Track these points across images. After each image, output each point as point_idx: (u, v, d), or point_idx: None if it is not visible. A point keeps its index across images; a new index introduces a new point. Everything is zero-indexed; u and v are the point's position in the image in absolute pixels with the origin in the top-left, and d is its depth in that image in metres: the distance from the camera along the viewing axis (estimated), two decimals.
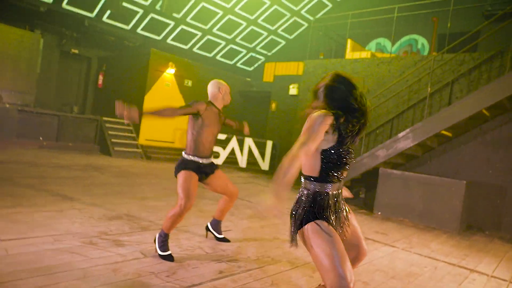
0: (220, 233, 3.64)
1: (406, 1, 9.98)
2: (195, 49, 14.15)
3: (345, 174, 1.87)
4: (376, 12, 11.01)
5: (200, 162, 3.12)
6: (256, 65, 16.44)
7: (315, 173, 1.80)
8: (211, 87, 3.27)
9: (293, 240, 1.85)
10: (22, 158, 7.20)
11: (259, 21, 13.95)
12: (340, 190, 1.87)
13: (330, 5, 13.95)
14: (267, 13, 13.62)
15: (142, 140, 10.87)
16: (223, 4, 12.46)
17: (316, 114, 1.73)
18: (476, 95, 5.81)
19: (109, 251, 2.92)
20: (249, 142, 10.74)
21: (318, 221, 1.73)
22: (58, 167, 6.72)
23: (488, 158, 6.73)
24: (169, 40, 13.25)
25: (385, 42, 12.68)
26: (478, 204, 6.66)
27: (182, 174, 3.04)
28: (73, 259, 2.66)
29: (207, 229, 3.67)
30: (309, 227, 1.73)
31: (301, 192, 1.86)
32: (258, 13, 13.46)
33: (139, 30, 12.40)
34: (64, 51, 11.98)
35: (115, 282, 2.39)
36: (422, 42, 11.85)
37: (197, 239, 3.57)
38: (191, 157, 3.11)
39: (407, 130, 6.36)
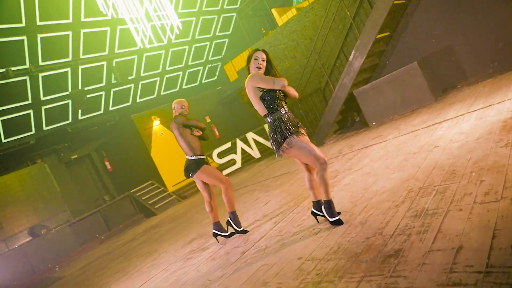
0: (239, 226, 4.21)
1: None
2: (162, 93, 15.36)
3: (283, 103, 3.13)
4: None
5: (203, 157, 4.26)
6: (217, 72, 17.58)
7: (266, 110, 3.08)
8: (178, 106, 4.28)
9: (277, 155, 3.09)
10: (97, 255, 8.51)
11: (197, 37, 15.07)
12: (288, 112, 3.11)
13: None
14: (198, 27, 14.73)
15: (170, 188, 12.15)
16: (161, 44, 13.60)
17: (253, 75, 3.08)
18: None
19: (202, 255, 4.14)
20: (251, 135, 11.89)
21: (289, 137, 2.98)
22: (127, 243, 8.01)
23: (426, 31, 7.78)
24: (138, 100, 14.49)
25: None
26: (440, 69, 7.73)
27: (202, 171, 4.12)
28: (185, 270, 3.89)
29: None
30: (286, 143, 2.99)
31: (269, 127, 3.12)
32: (191, 32, 14.58)
33: (111, 108, 13.65)
34: (67, 162, 13.33)
35: (217, 263, 3.60)
36: None
37: (251, 217, 4.77)
38: (196, 157, 4.17)
39: (353, 51, 7.46)
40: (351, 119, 9.35)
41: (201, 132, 4.26)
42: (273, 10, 10.75)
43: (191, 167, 4.13)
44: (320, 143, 8.48)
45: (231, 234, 4.30)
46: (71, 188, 13.12)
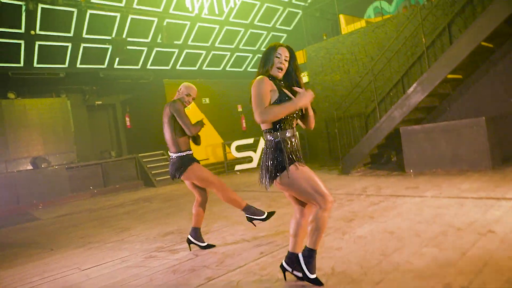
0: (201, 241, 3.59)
1: None
2: (204, 68, 14.81)
3: (295, 122, 2.37)
4: None
5: (191, 153, 3.50)
6: None
7: (270, 124, 2.31)
8: (184, 91, 3.57)
9: (265, 186, 2.34)
10: (80, 208, 8.06)
11: (256, 23, 14.37)
12: (295, 135, 2.35)
13: None
14: (260, 13, 14.02)
15: None
16: (217, 18, 13.02)
17: (256, 80, 2.29)
18: (470, 30, 5.87)
19: (167, 259, 3.46)
20: None
21: (289, 167, 2.26)
22: (112, 207, 7.49)
23: (505, 88, 6.71)
24: (178, 67, 14.00)
25: (383, 4, 12.66)
26: (508, 136, 6.65)
27: (192, 169, 3.39)
28: (139, 271, 3.21)
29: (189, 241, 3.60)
30: (285, 173, 2.26)
31: (265, 146, 2.36)
32: (252, 16, 13.89)
33: (149, 66, 13.24)
34: (90, 105, 13.05)
35: (176, 279, 2.90)
36: None
37: (240, 233, 4.04)
38: (182, 153, 3.44)
39: (414, 84, 6.51)
40: (387, 157, 8.40)
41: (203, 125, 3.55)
42: (341, 16, 9.88)
43: (176, 166, 3.42)
44: (346, 171, 7.61)
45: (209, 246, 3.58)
46: (86, 132, 12.84)
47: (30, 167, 10.62)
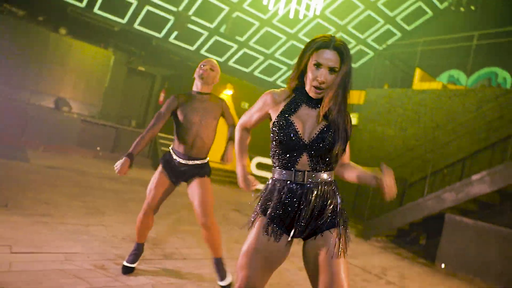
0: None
1: (487, 27, 8.99)
2: (256, 73, 14.15)
3: (315, 160, 1.47)
4: (451, 40, 10.08)
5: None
6: None
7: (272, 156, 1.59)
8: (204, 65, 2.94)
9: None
10: (74, 166, 7.41)
11: None
12: (309, 185, 1.46)
13: (399, 34, 13.22)
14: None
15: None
16: (287, 29, 12.37)
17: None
18: None
19: (118, 280, 2.60)
20: None
21: (261, 219, 1.52)
22: (104, 178, 6.78)
23: None
24: (230, 63, 13.40)
25: (459, 74, 11.55)
26: None
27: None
28: (75, 285, 2.38)
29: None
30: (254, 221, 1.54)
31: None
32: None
33: (202, 51, 12.71)
34: (132, 68, 12.61)
35: None
36: (504, 76, 10.57)
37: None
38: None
39: (484, 172, 5.44)
40: (415, 237, 7.27)
41: None
42: (418, 70, 8.91)
43: (206, 170, 2.79)
44: (366, 237, 6.56)
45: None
46: (117, 92, 12.38)
47: (51, 105, 10.20)
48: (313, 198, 1.45)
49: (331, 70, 1.43)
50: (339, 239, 1.44)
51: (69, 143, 9.18)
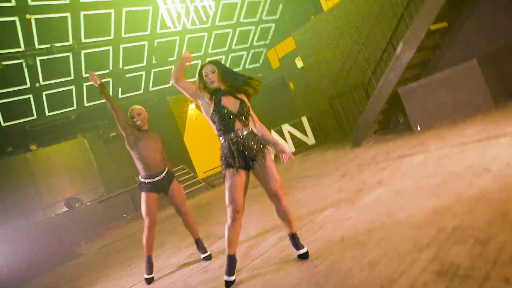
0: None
1: None
2: None
3: (238, 124, 2.62)
4: None
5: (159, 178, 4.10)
6: (261, 58, 17.02)
7: (216, 128, 2.68)
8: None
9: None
10: (118, 236, 8.54)
11: (242, 20, 14.55)
12: (241, 137, 2.60)
13: None
14: (244, 10, 14.18)
15: (200, 175, 11.98)
16: (204, 26, 13.28)
17: None
18: None
19: (199, 261, 3.77)
20: (286, 128, 11.30)
21: (226, 170, 2.65)
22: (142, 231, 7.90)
23: (493, 23, 6.67)
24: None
25: None
26: (507, 70, 6.62)
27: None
28: (175, 278, 3.53)
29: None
30: (223, 172, 2.68)
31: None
32: (236, 15, 14.08)
33: (151, 88, 13.67)
34: (105, 138, 13.59)
35: (207, 277, 3.20)
36: None
37: (261, 224, 4.31)
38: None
39: (400, 43, 6.58)
40: (395, 120, 8.46)
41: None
42: None
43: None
44: (357, 144, 7.74)
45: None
46: (108, 165, 13.40)
47: (65, 209, 11.25)
48: (248, 143, 2.62)
49: (213, 72, 2.68)
50: (264, 157, 2.63)
51: (100, 225, 10.28)
